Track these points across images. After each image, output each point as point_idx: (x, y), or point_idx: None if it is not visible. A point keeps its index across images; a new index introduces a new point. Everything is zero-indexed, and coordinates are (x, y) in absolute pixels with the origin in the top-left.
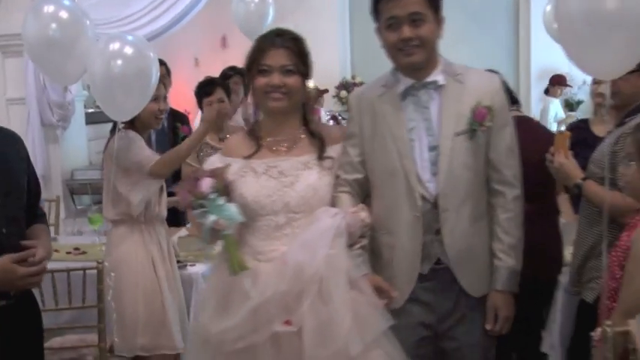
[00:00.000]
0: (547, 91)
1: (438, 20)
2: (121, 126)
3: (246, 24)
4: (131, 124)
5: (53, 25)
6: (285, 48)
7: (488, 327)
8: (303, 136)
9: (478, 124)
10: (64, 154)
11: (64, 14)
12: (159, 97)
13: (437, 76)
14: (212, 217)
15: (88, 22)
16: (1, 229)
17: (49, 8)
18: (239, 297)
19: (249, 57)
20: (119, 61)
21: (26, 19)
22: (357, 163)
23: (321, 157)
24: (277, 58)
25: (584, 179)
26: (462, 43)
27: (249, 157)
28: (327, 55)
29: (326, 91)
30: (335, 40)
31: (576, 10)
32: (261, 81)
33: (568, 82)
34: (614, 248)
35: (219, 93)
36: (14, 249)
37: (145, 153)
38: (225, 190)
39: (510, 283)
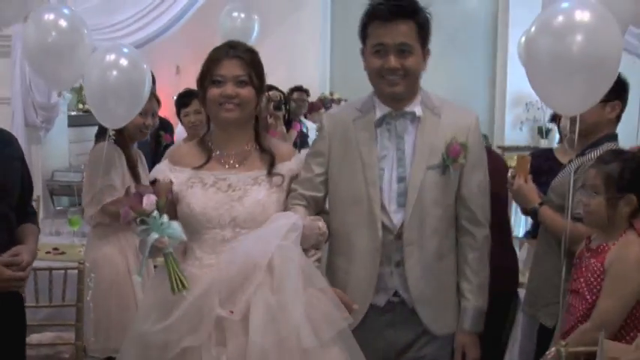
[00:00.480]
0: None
1: (425, 53)
2: (111, 133)
3: (231, 38)
4: (119, 133)
5: (53, 33)
6: (238, 58)
7: None
8: (253, 150)
9: (452, 160)
10: (45, 155)
11: (63, 23)
12: (147, 111)
13: (415, 107)
14: (154, 235)
15: (85, 30)
16: None
17: (49, 16)
18: (178, 300)
19: (202, 68)
20: (114, 72)
21: (27, 26)
22: (318, 182)
23: (270, 172)
24: (231, 68)
25: (540, 204)
26: (440, 67)
27: (198, 167)
28: (308, 71)
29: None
30: (316, 57)
31: (544, 51)
32: (214, 92)
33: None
34: (580, 273)
35: (196, 104)
36: (3, 245)
37: (112, 183)
38: (168, 207)
39: (478, 323)
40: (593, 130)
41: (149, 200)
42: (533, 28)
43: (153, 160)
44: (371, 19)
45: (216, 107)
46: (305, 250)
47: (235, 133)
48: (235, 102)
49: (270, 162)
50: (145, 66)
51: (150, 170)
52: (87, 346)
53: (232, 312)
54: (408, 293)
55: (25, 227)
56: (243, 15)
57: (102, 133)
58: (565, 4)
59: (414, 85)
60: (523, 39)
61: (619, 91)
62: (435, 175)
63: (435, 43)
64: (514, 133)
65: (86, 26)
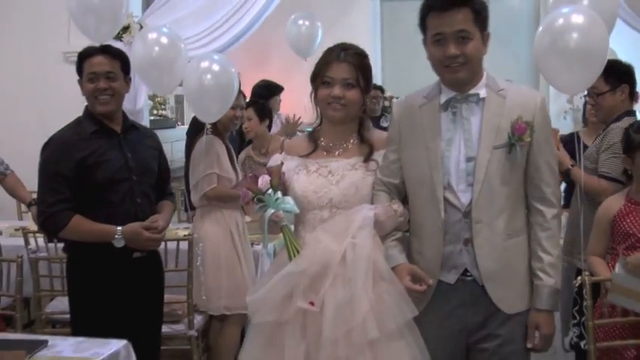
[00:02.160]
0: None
1: (484, 37)
2: (208, 126)
3: (297, 44)
4: (214, 126)
5: (156, 48)
6: (347, 62)
7: (529, 345)
8: (355, 141)
9: (517, 138)
10: None
11: (164, 39)
12: (237, 106)
13: (479, 90)
14: (270, 210)
15: (182, 45)
16: (137, 199)
17: (152, 35)
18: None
19: (315, 68)
20: (208, 76)
21: (134, 43)
22: (394, 169)
23: (367, 159)
24: (340, 71)
25: (572, 165)
26: (486, 62)
27: (305, 156)
28: None
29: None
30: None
31: (547, 46)
32: (323, 92)
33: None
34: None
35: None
36: (145, 215)
37: (211, 170)
38: (280, 186)
39: (551, 301)
40: (612, 113)
41: (264, 180)
42: (540, 28)
43: (238, 152)
44: (428, 11)
45: (324, 105)
46: (386, 236)
47: (341, 127)
48: (342, 102)
49: (369, 151)
50: (233, 69)
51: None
52: (198, 304)
53: (313, 303)
54: (477, 270)
55: (162, 203)
56: (307, 22)
57: (197, 130)
58: (565, 9)
59: (476, 70)
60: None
61: (622, 75)
62: (501, 154)
63: None
64: (559, 123)
65: (182, 41)
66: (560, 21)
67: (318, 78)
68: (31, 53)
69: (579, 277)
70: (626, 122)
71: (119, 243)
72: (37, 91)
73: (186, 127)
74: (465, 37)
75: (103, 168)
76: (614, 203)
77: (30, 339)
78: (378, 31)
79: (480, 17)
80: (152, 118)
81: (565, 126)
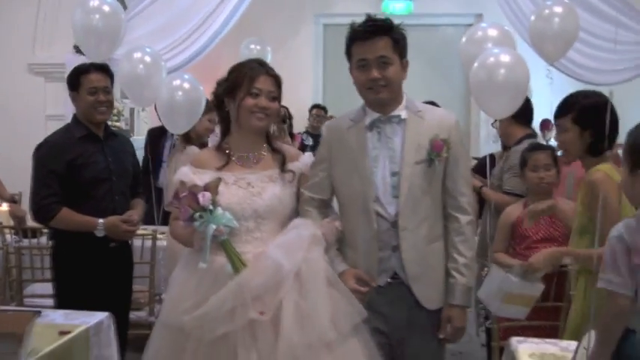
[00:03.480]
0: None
1: (403, 64)
2: (176, 137)
3: None
4: (186, 135)
5: (140, 66)
6: (272, 77)
7: (441, 335)
8: (266, 153)
9: (435, 154)
10: None
11: (147, 58)
12: (213, 120)
13: (400, 112)
14: (212, 226)
15: (163, 63)
16: (115, 197)
17: (137, 54)
18: (214, 289)
19: (238, 79)
20: (180, 93)
21: (121, 61)
22: (325, 185)
23: (283, 170)
24: (267, 84)
25: (481, 187)
26: (421, 88)
27: (220, 168)
28: (303, 92)
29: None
30: (310, 78)
31: (483, 78)
32: (249, 101)
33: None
34: None
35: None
36: (122, 210)
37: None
38: (216, 200)
39: (464, 298)
40: (507, 140)
41: (205, 197)
42: (476, 64)
43: None
44: (353, 40)
45: (247, 115)
46: (328, 248)
47: (254, 138)
48: (266, 112)
49: (282, 161)
50: (201, 87)
51: None
52: (159, 294)
53: (262, 313)
54: (404, 273)
55: (135, 200)
56: (259, 47)
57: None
58: (495, 50)
59: (396, 92)
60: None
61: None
62: (422, 169)
63: (415, 66)
64: (488, 146)
65: (162, 59)
66: (492, 59)
67: (243, 89)
68: None
69: (486, 268)
70: (524, 145)
71: (100, 233)
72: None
73: (138, 137)
74: (385, 62)
75: (89, 169)
76: (513, 211)
77: (24, 309)
78: (320, 54)
79: (399, 45)
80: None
81: (493, 148)
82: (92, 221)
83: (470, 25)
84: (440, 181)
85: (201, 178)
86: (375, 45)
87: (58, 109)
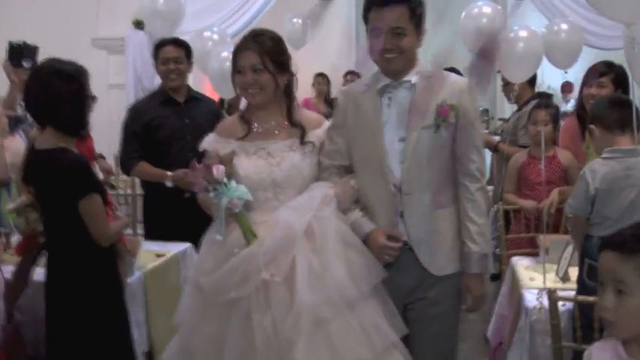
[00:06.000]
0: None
1: (419, 33)
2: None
3: (291, 37)
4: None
5: (209, 43)
6: (251, 50)
7: (463, 307)
8: (286, 123)
9: (442, 119)
10: None
11: (215, 36)
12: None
13: (411, 77)
14: (226, 199)
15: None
16: (189, 153)
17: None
18: (228, 258)
19: (232, 59)
20: (227, 63)
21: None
22: (343, 151)
23: (302, 142)
24: (247, 58)
25: (497, 142)
26: (432, 42)
27: (241, 138)
28: (336, 56)
29: None
30: (343, 44)
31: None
32: (238, 80)
33: None
34: None
35: None
36: None
37: None
38: (231, 173)
39: (480, 265)
40: (521, 98)
41: (219, 170)
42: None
43: None
44: (369, 7)
45: (243, 92)
46: (350, 209)
47: (267, 110)
48: (258, 87)
49: (302, 133)
50: None
51: None
52: None
53: (274, 275)
54: (409, 238)
55: None
56: (300, 21)
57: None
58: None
59: (410, 60)
60: None
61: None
62: (429, 134)
63: (426, 20)
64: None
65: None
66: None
67: (233, 70)
68: (61, 40)
69: (495, 205)
70: (533, 103)
71: (169, 184)
72: None
73: None
74: (400, 32)
75: (163, 129)
76: (519, 158)
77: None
78: (353, 21)
79: (416, 14)
80: None
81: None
82: (162, 173)
83: None
84: (448, 147)
85: (224, 147)
86: (391, 13)
87: (120, 78)
